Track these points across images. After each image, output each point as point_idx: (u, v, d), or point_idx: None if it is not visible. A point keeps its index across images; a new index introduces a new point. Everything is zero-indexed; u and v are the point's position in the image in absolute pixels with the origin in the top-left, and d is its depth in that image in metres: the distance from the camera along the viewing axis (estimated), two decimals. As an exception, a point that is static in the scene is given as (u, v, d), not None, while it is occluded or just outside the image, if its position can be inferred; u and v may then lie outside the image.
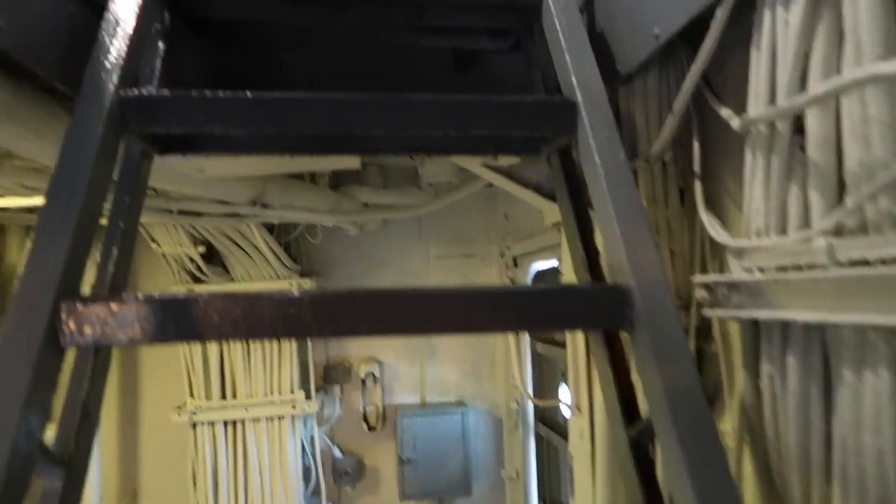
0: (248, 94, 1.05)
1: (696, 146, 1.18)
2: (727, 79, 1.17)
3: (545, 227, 2.31)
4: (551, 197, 2.06)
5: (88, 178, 0.92)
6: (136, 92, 1.03)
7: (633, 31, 1.27)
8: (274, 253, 3.07)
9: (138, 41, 1.15)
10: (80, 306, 0.82)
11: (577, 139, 1.12)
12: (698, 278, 1.05)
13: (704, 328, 1.35)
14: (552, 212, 2.11)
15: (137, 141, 1.16)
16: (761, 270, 0.88)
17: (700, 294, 1.03)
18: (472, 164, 2.19)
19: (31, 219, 2.91)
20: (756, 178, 0.89)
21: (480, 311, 0.87)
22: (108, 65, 1.05)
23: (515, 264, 3.44)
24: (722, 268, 1.30)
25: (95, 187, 0.95)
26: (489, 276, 3.68)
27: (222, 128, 1.05)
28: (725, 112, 1.04)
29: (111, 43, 1.09)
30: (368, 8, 1.37)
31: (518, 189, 2.11)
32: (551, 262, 2.97)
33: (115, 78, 1.04)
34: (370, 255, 3.60)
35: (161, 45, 1.32)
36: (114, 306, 0.82)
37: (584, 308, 0.91)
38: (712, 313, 1.01)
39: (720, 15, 0.96)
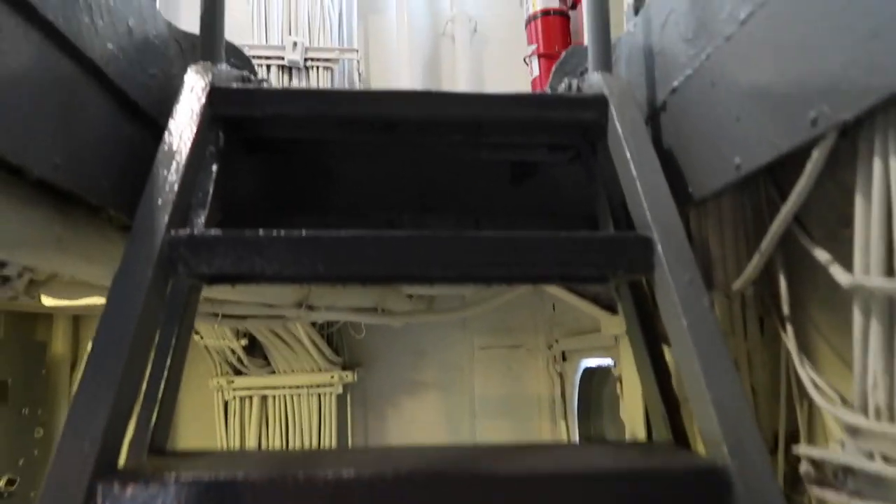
0: (303, 233, 1.00)
1: (783, 285, 1.08)
2: (812, 206, 1.07)
3: (603, 337, 2.20)
4: (610, 308, 1.96)
5: (134, 333, 0.87)
6: (186, 232, 0.98)
7: (707, 155, 1.19)
8: (316, 346, 3.00)
9: (192, 171, 1.12)
10: (117, 488, 0.74)
11: (653, 279, 1.03)
12: (803, 450, 0.93)
13: (792, 471, 1.22)
14: (610, 323, 2.00)
15: (186, 277, 1.11)
16: (886, 459, 0.76)
17: (804, 468, 0.91)
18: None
19: (80, 308, 2.91)
20: (871, 345, 0.78)
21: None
22: (159, 202, 1.02)
23: (564, 358, 3.30)
24: (811, 414, 1.18)
25: (141, 340, 0.90)
26: (536, 368, 3.54)
27: (275, 269, 0.99)
28: (823, 256, 0.94)
29: (164, 177, 1.05)
30: (422, 127, 1.33)
31: (575, 299, 2.01)
32: (604, 361, 2.83)
33: (165, 216, 1.00)
34: (413, 346, 3.51)
35: (215, 167, 1.29)
36: (153, 488, 0.74)
37: (678, 491, 0.80)
38: (821, 494, 0.89)
39: (817, 156, 0.87)
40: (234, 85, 1.25)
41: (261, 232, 0.98)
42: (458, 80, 3.96)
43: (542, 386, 3.51)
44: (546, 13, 2.97)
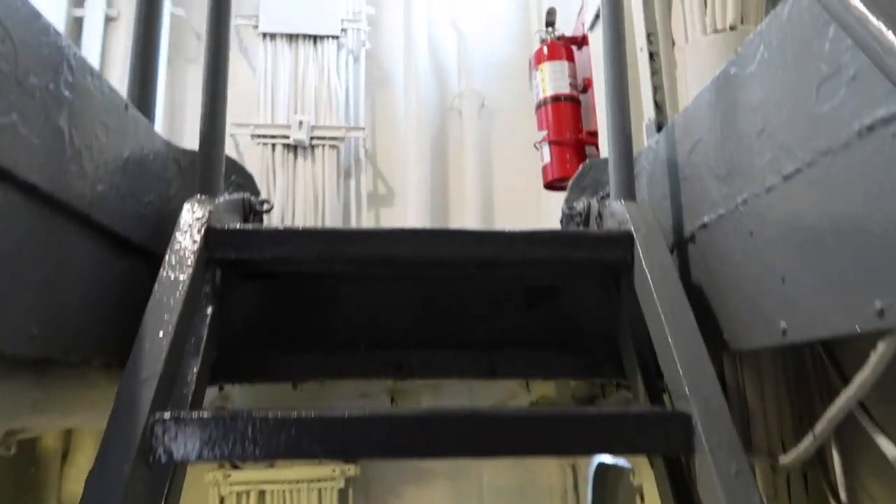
0: (301, 414, 0.89)
1: (837, 465, 0.96)
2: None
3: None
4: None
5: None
6: (170, 415, 0.88)
7: (747, 309, 1.09)
8: (318, 440, 2.87)
9: (183, 325, 1.03)
10: None
11: (691, 463, 0.93)
12: None
13: None
14: (642, 471, 1.87)
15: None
16: None
17: None
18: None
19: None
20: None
21: None
22: (144, 375, 0.92)
23: (578, 450, 3.15)
24: None
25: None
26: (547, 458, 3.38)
27: (268, 454, 0.89)
28: (890, 451, 0.83)
29: (151, 345, 0.96)
30: (435, 265, 1.24)
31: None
32: (619, 460, 2.68)
33: (150, 393, 0.90)
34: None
35: (210, 309, 1.19)
36: None
37: None
38: None
39: (883, 350, 0.78)
40: (231, 225, 1.17)
41: (254, 414, 0.88)
42: (466, 154, 3.93)
43: (553, 477, 3.35)
44: (556, 99, 2.92)
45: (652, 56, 1.58)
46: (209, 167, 1.25)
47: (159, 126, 2.97)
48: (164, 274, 1.06)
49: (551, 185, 2.95)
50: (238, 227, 1.16)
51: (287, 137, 3.44)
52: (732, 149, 1.11)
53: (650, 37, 1.59)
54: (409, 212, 3.63)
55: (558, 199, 3.32)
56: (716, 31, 1.37)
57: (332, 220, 3.44)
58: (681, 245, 1.34)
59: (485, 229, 1.17)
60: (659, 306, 1.08)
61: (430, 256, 1.17)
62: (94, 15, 3.17)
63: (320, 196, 3.45)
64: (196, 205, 1.16)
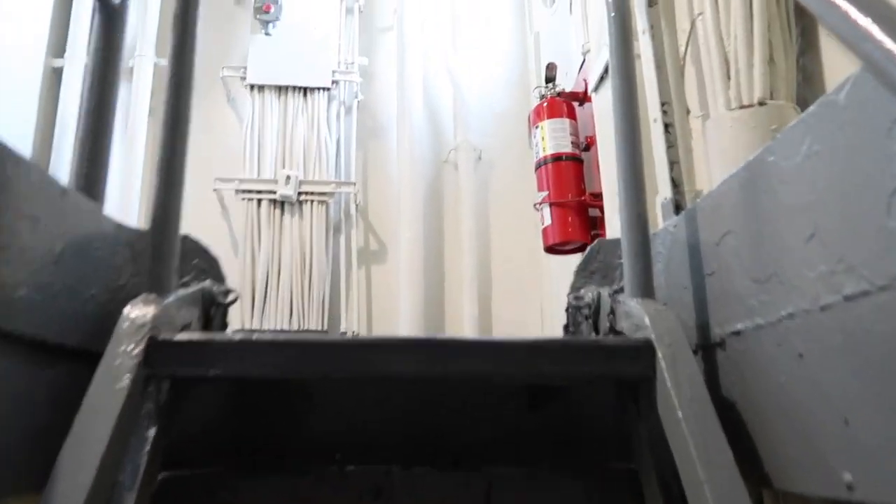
0: None
1: None
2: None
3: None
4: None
5: None
6: None
7: (797, 449, 0.91)
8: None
9: (112, 458, 0.85)
10: None
11: None
12: None
13: None
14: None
15: None
16: None
17: None
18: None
19: None
20: None
21: None
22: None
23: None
24: None
25: None
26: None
27: None
28: None
29: (63, 497, 0.77)
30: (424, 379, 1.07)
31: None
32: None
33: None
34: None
35: (153, 431, 1.01)
36: None
37: None
38: None
39: None
40: (178, 337, 0.99)
41: None
42: (462, 209, 3.78)
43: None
44: (557, 158, 2.78)
45: (667, 128, 1.42)
46: (159, 259, 1.08)
47: (138, 182, 2.78)
48: (91, 399, 0.88)
49: (552, 249, 2.78)
50: (186, 338, 0.98)
51: (273, 193, 3.28)
52: (773, 251, 0.94)
53: (664, 107, 1.44)
54: (401, 269, 3.46)
55: (559, 259, 3.16)
56: (742, 106, 1.22)
57: (320, 279, 3.26)
58: (707, 349, 1.16)
59: (482, 339, 1.01)
60: (687, 433, 0.91)
61: (416, 374, 0.99)
62: (74, 65, 3.04)
63: (308, 253, 3.28)
64: (138, 308, 0.98)
